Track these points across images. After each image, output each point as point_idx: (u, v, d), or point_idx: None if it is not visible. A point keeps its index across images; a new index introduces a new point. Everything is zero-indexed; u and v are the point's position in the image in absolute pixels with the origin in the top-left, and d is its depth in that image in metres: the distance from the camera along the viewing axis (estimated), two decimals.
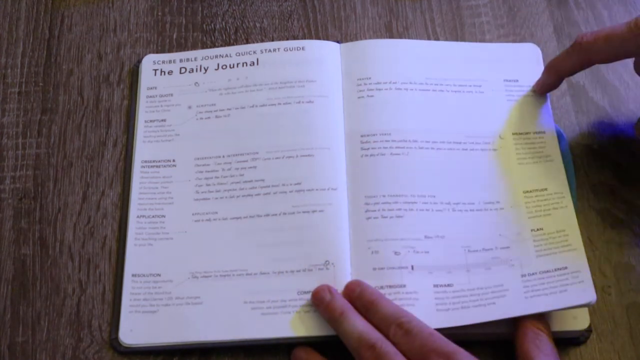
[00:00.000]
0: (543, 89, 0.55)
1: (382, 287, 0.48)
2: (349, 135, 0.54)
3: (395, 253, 0.49)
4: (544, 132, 0.54)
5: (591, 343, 0.49)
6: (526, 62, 0.57)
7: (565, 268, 0.49)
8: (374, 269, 0.49)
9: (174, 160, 0.54)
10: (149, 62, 0.58)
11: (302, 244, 0.50)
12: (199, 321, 0.48)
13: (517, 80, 0.56)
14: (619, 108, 0.57)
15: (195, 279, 0.50)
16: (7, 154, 0.55)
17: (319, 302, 0.48)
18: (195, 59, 0.58)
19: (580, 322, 0.48)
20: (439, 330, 0.46)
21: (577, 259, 0.49)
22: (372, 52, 0.57)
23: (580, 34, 0.50)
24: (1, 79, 0.58)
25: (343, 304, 0.47)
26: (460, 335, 0.48)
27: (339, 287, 0.48)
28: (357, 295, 0.47)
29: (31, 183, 0.54)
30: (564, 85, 0.58)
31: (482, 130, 0.54)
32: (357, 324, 0.45)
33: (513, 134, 0.54)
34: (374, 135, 0.53)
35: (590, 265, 0.49)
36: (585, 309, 0.49)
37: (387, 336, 0.45)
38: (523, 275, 0.49)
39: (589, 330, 0.49)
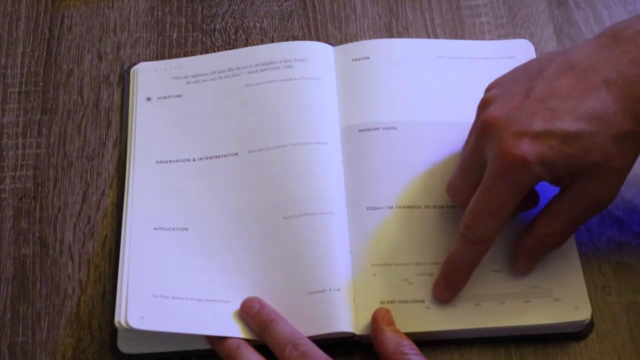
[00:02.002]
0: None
1: None
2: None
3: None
4: None
5: (591, 343, 0.49)
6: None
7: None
8: None
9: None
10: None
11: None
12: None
13: None
14: None
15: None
16: (7, 154, 0.55)
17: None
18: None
19: (581, 312, 0.47)
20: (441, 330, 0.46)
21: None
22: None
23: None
24: (1, 79, 0.58)
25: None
26: (460, 335, 0.48)
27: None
28: (255, 312, 0.47)
29: (31, 183, 0.54)
30: None
31: None
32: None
33: None
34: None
35: (590, 265, 0.49)
36: (587, 300, 0.48)
37: (281, 356, 0.44)
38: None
39: (591, 324, 0.48)
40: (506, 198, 0.43)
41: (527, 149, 0.41)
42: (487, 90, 0.47)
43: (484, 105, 0.46)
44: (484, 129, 0.43)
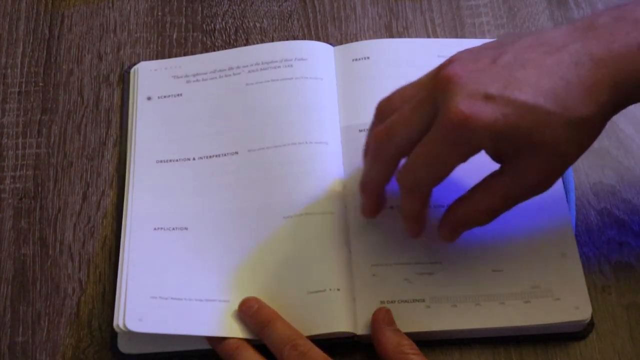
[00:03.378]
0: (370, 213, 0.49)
1: None
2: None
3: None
4: None
5: (591, 343, 0.49)
6: None
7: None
8: None
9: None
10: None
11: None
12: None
13: None
14: None
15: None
16: (7, 154, 0.55)
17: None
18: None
19: (581, 312, 0.47)
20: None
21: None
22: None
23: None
24: (1, 79, 0.58)
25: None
26: (460, 335, 0.48)
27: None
28: (254, 312, 0.47)
29: (31, 183, 0.54)
30: None
31: None
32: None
33: None
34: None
35: (590, 265, 0.49)
36: (587, 300, 0.48)
37: (280, 356, 0.44)
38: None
39: (591, 323, 0.48)
40: (445, 156, 0.41)
41: (478, 111, 0.39)
42: (452, 56, 0.44)
43: (445, 64, 0.43)
44: (442, 83, 0.41)
